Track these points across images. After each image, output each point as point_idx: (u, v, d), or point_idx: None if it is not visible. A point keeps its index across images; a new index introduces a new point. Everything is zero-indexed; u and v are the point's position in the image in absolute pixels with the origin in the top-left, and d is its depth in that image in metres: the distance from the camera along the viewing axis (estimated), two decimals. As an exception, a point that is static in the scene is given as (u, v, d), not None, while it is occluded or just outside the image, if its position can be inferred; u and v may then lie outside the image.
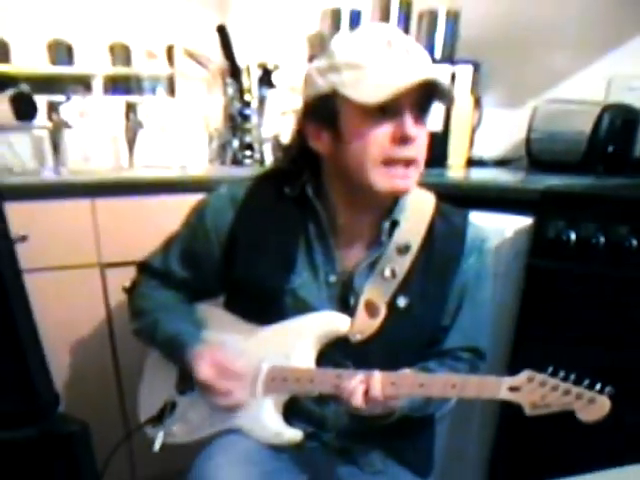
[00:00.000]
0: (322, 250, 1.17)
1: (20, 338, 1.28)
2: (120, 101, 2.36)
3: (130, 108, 2.32)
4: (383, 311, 1.13)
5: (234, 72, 2.33)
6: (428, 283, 1.15)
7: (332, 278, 1.17)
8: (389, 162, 1.03)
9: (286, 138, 2.16)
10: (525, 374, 0.97)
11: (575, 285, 1.41)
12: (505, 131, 2.18)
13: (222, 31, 2.30)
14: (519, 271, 1.50)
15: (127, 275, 1.39)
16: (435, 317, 1.17)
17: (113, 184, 1.83)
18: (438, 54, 2.12)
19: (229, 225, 1.20)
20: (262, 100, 2.39)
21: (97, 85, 2.45)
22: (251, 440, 1.18)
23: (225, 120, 2.42)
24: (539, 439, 1.43)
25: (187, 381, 1.27)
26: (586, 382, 0.93)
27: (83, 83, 2.41)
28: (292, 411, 1.19)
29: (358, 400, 1.03)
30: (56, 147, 2.20)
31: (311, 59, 2.31)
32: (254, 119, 2.37)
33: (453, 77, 2.09)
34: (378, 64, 1.00)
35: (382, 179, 1.04)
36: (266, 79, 2.38)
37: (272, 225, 1.19)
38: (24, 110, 2.06)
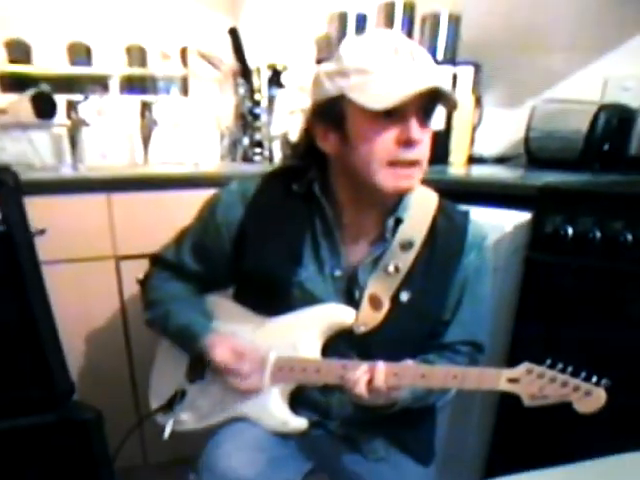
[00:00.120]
0: (328, 245, 1.15)
1: (38, 328, 1.29)
2: (136, 100, 2.36)
3: (145, 107, 2.32)
4: (386, 305, 1.12)
5: (245, 73, 2.35)
6: (430, 278, 1.14)
7: (337, 272, 1.15)
8: (394, 163, 1.02)
9: (294, 136, 2.16)
10: (524, 366, 0.96)
11: (572, 278, 1.40)
12: (505, 130, 2.16)
13: (233, 33, 2.31)
14: (518, 265, 1.48)
15: (141, 267, 1.37)
16: (436, 311, 1.16)
17: (128, 180, 1.82)
18: (440, 55, 2.10)
19: (239, 220, 1.19)
20: (271, 100, 2.39)
21: (114, 85, 2.44)
22: (258, 428, 1.18)
23: (236, 119, 2.43)
24: (537, 429, 1.42)
25: (197, 370, 1.27)
26: (583, 374, 0.92)
27: (101, 83, 2.41)
28: (298, 400, 1.19)
29: (362, 390, 1.03)
30: (74, 144, 2.20)
31: (319, 60, 2.31)
32: (264, 118, 2.37)
33: (455, 78, 2.07)
34: (385, 70, 0.98)
35: (387, 179, 1.03)
36: (275, 79, 2.38)
37: (280, 220, 1.17)
38: (44, 109, 2.05)
